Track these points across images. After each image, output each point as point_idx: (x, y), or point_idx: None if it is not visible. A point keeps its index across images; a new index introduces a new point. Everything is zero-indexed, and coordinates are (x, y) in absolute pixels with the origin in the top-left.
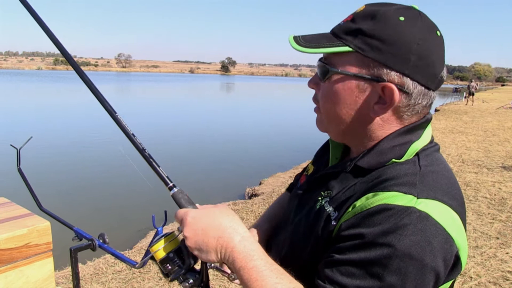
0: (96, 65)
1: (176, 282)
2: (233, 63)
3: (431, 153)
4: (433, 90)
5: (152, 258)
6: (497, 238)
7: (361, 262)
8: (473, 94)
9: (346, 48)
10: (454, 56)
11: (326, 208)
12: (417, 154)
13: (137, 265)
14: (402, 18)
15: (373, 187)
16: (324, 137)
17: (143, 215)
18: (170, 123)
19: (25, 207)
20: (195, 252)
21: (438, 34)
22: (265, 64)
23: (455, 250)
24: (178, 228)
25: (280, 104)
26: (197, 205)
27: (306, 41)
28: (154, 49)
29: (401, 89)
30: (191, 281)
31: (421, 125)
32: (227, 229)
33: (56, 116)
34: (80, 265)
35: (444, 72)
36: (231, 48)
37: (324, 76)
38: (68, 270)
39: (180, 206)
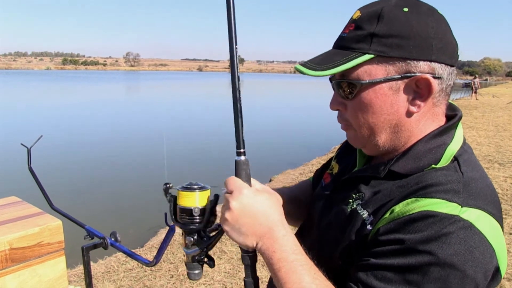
0: (104, 64)
1: (187, 280)
2: (242, 60)
3: (469, 157)
4: (454, 66)
5: (172, 196)
6: (510, 234)
7: (399, 267)
8: (474, 90)
9: (367, 56)
10: (463, 50)
11: (359, 211)
12: (455, 158)
13: (150, 263)
14: (406, 9)
15: (413, 192)
16: (335, 133)
17: (154, 213)
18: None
19: (37, 206)
20: (227, 228)
21: (440, 12)
22: (273, 61)
23: (495, 262)
24: (220, 188)
25: (288, 101)
26: (252, 180)
27: (319, 64)
28: (162, 48)
29: (433, 76)
30: (196, 237)
31: (452, 125)
32: (276, 222)
33: (66, 114)
34: (91, 263)
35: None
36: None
37: (352, 93)
38: (79, 269)
39: (237, 176)
